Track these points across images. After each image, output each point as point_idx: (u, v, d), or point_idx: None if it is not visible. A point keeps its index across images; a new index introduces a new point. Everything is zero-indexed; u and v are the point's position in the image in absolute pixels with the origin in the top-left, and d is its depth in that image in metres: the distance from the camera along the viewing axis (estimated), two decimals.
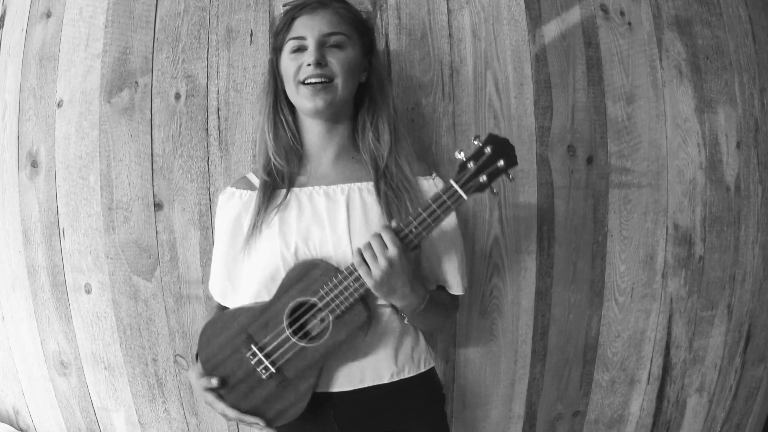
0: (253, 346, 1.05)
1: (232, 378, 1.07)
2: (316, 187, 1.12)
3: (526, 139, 1.41)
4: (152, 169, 1.41)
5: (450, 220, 1.11)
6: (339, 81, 1.07)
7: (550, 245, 1.44)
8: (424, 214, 0.98)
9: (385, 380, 1.09)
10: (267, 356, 1.05)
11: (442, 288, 1.18)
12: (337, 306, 1.01)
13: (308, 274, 1.02)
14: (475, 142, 0.96)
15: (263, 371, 1.05)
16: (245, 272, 1.12)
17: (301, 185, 1.14)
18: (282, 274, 1.05)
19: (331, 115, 1.12)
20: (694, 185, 1.53)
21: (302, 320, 1.04)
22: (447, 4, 1.39)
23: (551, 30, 1.42)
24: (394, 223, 0.99)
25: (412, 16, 1.38)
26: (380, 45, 1.37)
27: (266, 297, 1.08)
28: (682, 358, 1.58)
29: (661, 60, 1.49)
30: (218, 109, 1.39)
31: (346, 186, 1.12)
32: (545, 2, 1.42)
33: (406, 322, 1.11)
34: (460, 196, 0.96)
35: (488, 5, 1.40)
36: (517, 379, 1.48)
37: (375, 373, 1.09)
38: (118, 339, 1.48)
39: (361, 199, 1.10)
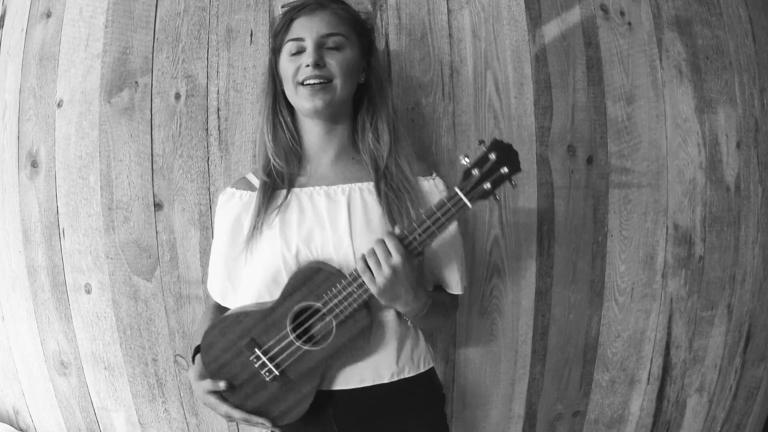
0: (256, 350, 1.05)
1: (235, 380, 1.08)
2: (317, 188, 1.12)
3: (526, 139, 1.41)
4: (152, 169, 1.41)
5: None
6: (338, 82, 1.07)
7: (550, 245, 1.44)
8: (428, 222, 0.98)
9: (386, 380, 1.09)
10: (271, 359, 1.05)
11: (441, 288, 1.18)
12: (341, 311, 1.01)
13: (312, 279, 1.03)
14: (480, 147, 0.96)
15: (267, 374, 1.06)
16: (246, 273, 1.12)
17: (302, 186, 1.14)
18: (283, 275, 1.06)
19: (330, 116, 1.12)
20: (694, 185, 1.53)
21: (306, 324, 1.05)
22: (447, 4, 1.39)
23: (551, 30, 1.42)
24: (398, 230, 0.99)
25: (412, 16, 1.38)
26: (380, 45, 1.37)
27: (267, 297, 1.08)
28: (682, 358, 1.58)
29: (661, 60, 1.49)
30: (218, 109, 1.39)
31: (346, 186, 1.12)
32: (545, 2, 1.42)
33: (409, 324, 1.12)
34: (465, 203, 0.96)
35: (488, 5, 1.40)
36: (517, 379, 1.48)
37: (376, 373, 1.09)
38: (118, 339, 1.48)
39: (361, 200, 1.10)
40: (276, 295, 1.06)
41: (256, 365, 1.06)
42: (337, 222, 1.07)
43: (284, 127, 1.15)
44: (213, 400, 1.08)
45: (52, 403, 1.62)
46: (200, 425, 1.49)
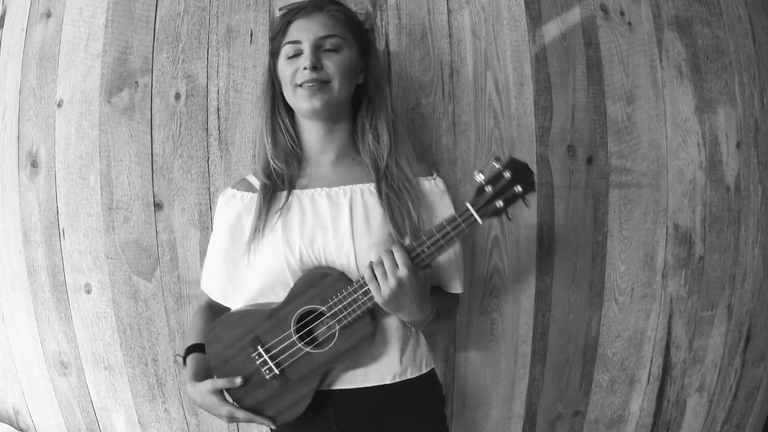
0: (259, 347, 1.06)
1: (235, 376, 1.08)
2: (318, 189, 1.12)
3: (526, 139, 1.41)
4: (152, 169, 1.41)
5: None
6: (335, 83, 1.08)
7: (550, 245, 1.44)
8: (438, 235, 0.98)
9: (387, 381, 1.09)
10: (272, 358, 1.06)
11: (440, 288, 1.18)
12: (345, 317, 1.02)
13: (319, 282, 1.04)
14: (496, 165, 0.96)
15: (267, 372, 1.06)
16: (248, 274, 1.12)
17: (302, 187, 1.14)
18: (287, 277, 1.06)
19: (329, 117, 1.12)
20: (694, 185, 1.53)
21: (310, 326, 1.05)
22: (447, 4, 1.39)
23: (551, 30, 1.42)
24: (407, 241, 1.00)
25: (412, 16, 1.38)
26: (380, 45, 1.37)
27: (271, 299, 1.09)
28: (682, 358, 1.58)
29: (661, 60, 1.49)
30: (218, 109, 1.39)
31: (348, 188, 1.12)
32: (545, 2, 1.42)
33: (412, 329, 1.13)
34: (476, 219, 0.97)
35: (488, 5, 1.40)
36: (517, 379, 1.48)
37: (377, 374, 1.09)
38: (118, 339, 1.48)
39: (362, 201, 1.10)
40: (279, 296, 1.07)
41: (257, 362, 1.06)
42: (339, 224, 1.07)
43: (283, 129, 1.15)
44: (215, 400, 1.06)
45: (52, 403, 1.62)
46: (200, 425, 1.49)
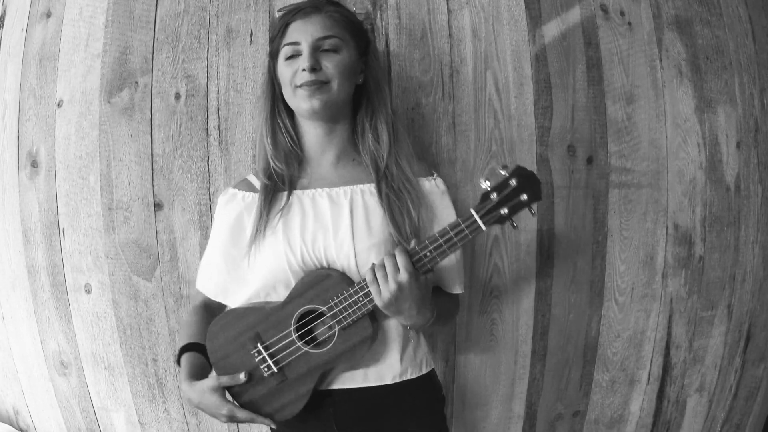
0: (258, 344, 1.06)
1: (234, 372, 1.09)
2: (319, 190, 1.13)
3: (526, 139, 1.41)
4: (152, 169, 1.41)
5: (449, 220, 1.12)
6: (334, 84, 1.08)
7: (550, 245, 1.44)
8: (441, 241, 0.98)
9: (387, 381, 1.09)
10: (271, 356, 1.06)
11: (440, 289, 1.18)
12: (344, 318, 1.02)
13: (321, 283, 1.04)
14: (502, 172, 0.96)
15: (265, 369, 1.06)
16: (249, 274, 1.12)
17: (303, 188, 1.14)
18: (288, 276, 1.07)
19: (329, 117, 1.12)
20: (694, 185, 1.53)
21: (310, 326, 1.06)
22: (447, 4, 1.39)
23: (551, 30, 1.42)
24: (412, 244, 0.99)
25: (412, 16, 1.38)
26: (380, 45, 1.37)
27: (274, 297, 1.09)
28: (682, 358, 1.58)
29: (661, 60, 1.49)
30: (218, 109, 1.39)
31: (348, 188, 1.12)
32: (545, 2, 1.42)
33: (411, 332, 1.13)
34: (479, 226, 0.97)
35: (488, 5, 1.40)
36: (517, 379, 1.48)
37: (377, 374, 1.09)
38: (118, 339, 1.48)
39: (363, 201, 1.10)
40: (281, 296, 1.07)
41: (256, 359, 1.07)
42: (340, 225, 1.08)
43: (283, 130, 1.16)
44: (216, 399, 1.05)
45: (52, 403, 1.62)
46: (200, 425, 1.49)
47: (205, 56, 1.39)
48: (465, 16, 1.39)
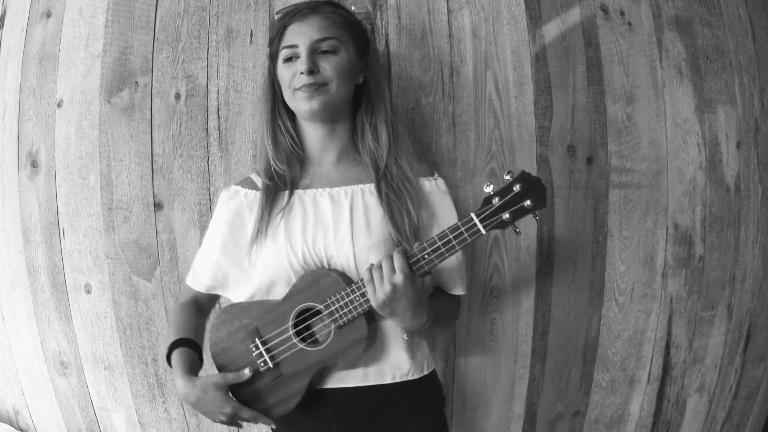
0: (256, 339, 1.07)
1: (232, 365, 1.10)
2: (320, 189, 1.13)
3: (526, 139, 1.41)
4: (152, 169, 1.41)
5: (449, 221, 1.12)
6: (333, 85, 1.08)
7: (550, 245, 1.44)
8: (439, 243, 0.97)
9: (387, 380, 1.09)
10: (268, 351, 1.07)
11: (441, 290, 1.18)
12: (340, 317, 1.03)
13: (320, 282, 1.04)
14: (507, 177, 0.95)
15: (262, 364, 1.07)
16: (249, 271, 1.12)
17: (305, 187, 1.14)
18: (289, 275, 1.07)
19: (329, 118, 1.12)
20: (694, 185, 1.53)
21: (308, 323, 1.06)
22: (447, 4, 1.39)
23: (551, 30, 1.42)
24: (417, 246, 0.99)
25: (412, 16, 1.38)
26: (380, 45, 1.37)
27: (275, 294, 1.09)
28: (682, 358, 1.58)
29: (661, 60, 1.49)
30: (218, 109, 1.39)
31: (349, 188, 1.12)
32: (545, 2, 1.42)
33: (405, 337, 1.11)
34: (479, 230, 0.95)
35: (488, 5, 1.40)
36: (517, 379, 1.48)
37: (377, 373, 1.09)
38: (118, 339, 1.48)
39: (363, 201, 1.10)
40: (282, 293, 1.08)
41: (254, 354, 1.08)
42: (340, 224, 1.08)
43: (284, 131, 1.16)
44: (221, 397, 1.04)
45: (52, 403, 1.62)
46: (200, 425, 1.49)
47: (205, 56, 1.39)
48: (465, 16, 1.39)
